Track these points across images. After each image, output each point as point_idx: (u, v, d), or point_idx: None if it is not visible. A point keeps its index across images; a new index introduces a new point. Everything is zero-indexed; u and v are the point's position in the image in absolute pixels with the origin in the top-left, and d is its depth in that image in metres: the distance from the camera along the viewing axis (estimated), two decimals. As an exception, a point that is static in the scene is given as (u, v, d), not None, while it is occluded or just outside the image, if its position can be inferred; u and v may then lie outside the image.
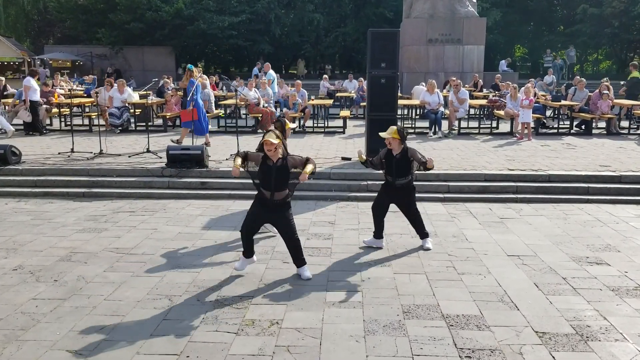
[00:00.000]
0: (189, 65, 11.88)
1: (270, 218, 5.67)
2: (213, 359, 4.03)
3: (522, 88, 13.81)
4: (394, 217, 7.77)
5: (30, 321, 4.65)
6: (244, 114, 15.90)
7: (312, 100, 17.05)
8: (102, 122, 14.29)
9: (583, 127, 14.90)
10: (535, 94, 14.53)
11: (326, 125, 15.40)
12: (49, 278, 5.59)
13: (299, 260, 5.64)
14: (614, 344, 4.27)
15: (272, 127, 5.69)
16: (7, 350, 4.16)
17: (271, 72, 17.46)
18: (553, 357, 4.05)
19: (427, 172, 6.65)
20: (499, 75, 20.50)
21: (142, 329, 4.48)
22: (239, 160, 5.48)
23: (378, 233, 6.61)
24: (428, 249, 6.46)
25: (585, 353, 4.13)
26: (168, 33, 33.17)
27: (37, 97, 14.03)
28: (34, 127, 14.22)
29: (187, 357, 4.05)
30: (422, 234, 6.59)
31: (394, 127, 6.27)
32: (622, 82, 19.92)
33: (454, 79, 17.15)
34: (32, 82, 14.10)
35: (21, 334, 4.42)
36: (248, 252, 5.70)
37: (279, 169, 5.35)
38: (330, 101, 17.50)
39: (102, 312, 4.81)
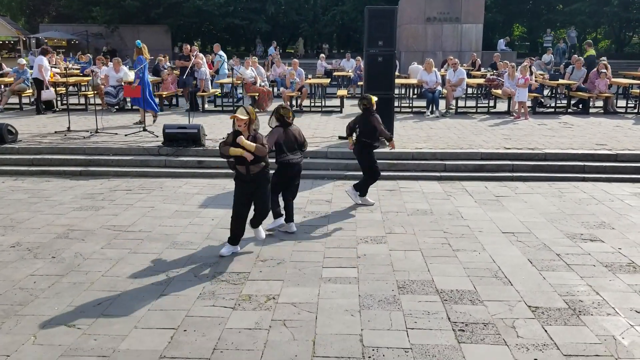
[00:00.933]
0: (137, 41, 11.84)
1: (250, 189, 5.60)
2: (210, 333, 4.08)
3: (519, 67, 13.77)
4: (391, 195, 7.82)
5: (29, 297, 4.69)
6: (240, 93, 15.83)
7: (310, 79, 16.98)
8: (98, 101, 14.24)
9: (580, 106, 14.89)
10: (531, 73, 14.49)
11: (323, 104, 15.36)
12: (47, 255, 5.63)
13: (257, 223, 5.85)
14: (605, 318, 4.33)
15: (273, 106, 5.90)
16: (6, 325, 4.20)
17: (221, 52, 17.31)
18: (545, 331, 4.11)
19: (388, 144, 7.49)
20: (497, 54, 20.38)
21: (139, 304, 4.53)
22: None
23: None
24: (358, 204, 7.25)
25: (577, 327, 4.18)
26: (163, 11, 32.85)
27: (47, 76, 13.96)
28: (47, 105, 14.17)
29: (185, 330, 4.10)
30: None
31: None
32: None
33: (452, 58, 17.08)
34: (45, 61, 14.05)
35: (20, 309, 4.46)
36: (234, 240, 5.68)
37: None
38: (328, 80, 17.43)
39: (100, 288, 4.85)
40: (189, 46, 15.85)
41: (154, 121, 12.11)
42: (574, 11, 35.92)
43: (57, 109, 14.53)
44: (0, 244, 5.95)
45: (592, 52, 18.11)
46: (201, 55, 15.56)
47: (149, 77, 13.55)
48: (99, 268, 5.29)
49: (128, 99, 14.82)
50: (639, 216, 6.94)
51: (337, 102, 15.34)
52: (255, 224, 5.85)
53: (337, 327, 4.17)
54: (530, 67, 15.37)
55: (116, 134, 10.81)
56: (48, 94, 13.69)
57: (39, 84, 13.73)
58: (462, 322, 4.22)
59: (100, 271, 5.21)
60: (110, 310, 4.44)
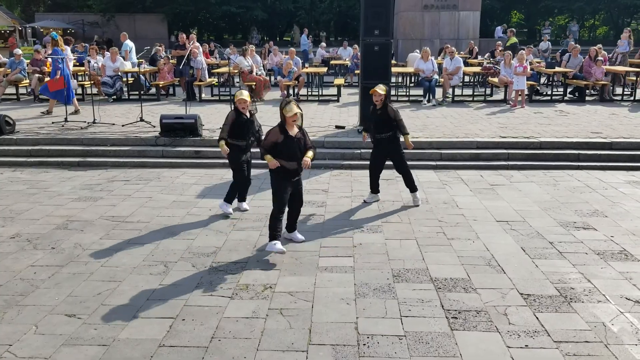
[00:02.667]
0: (52, 33, 11.87)
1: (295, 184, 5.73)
2: (208, 321, 4.16)
3: (516, 55, 13.77)
4: (387, 184, 7.88)
5: (29, 287, 4.76)
6: (237, 82, 15.84)
7: (307, 67, 16.98)
8: (95, 90, 14.24)
9: (577, 94, 14.93)
10: (530, 63, 14.51)
11: (320, 93, 15.37)
12: (47, 246, 5.69)
13: (293, 225, 5.86)
14: (596, 305, 4.42)
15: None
16: (8, 315, 4.28)
17: (128, 41, 17.23)
18: (537, 318, 4.19)
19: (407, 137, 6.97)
20: (499, 42, 20.31)
21: (138, 294, 4.60)
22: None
23: (374, 189, 7.14)
24: (417, 205, 6.93)
25: (568, 314, 4.27)
26: (159, -1, 32.72)
27: (70, 65, 13.96)
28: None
29: (183, 320, 4.18)
30: (412, 187, 7.03)
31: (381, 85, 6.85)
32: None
33: (449, 46, 17.06)
34: (68, 50, 14.10)
35: (21, 299, 4.54)
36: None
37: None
38: (325, 69, 17.42)
39: (100, 278, 4.92)
40: (184, 35, 15.82)
41: (76, 112, 12.16)
42: (571, -2, 35.83)
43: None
44: (0, 235, 6.01)
45: (514, 39, 18.35)
46: (198, 44, 15.54)
47: (146, 67, 13.55)
48: (98, 258, 5.36)
49: (125, 89, 14.83)
50: (632, 204, 7.02)
51: (334, 91, 15.35)
52: (292, 226, 5.83)
53: (333, 315, 4.26)
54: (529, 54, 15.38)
55: (113, 124, 10.84)
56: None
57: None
58: (455, 310, 4.31)
59: (100, 261, 5.28)
60: (110, 300, 4.51)
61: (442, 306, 4.37)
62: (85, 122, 10.95)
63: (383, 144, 6.87)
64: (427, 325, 4.09)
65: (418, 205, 6.94)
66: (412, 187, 7.01)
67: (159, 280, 4.88)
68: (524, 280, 4.84)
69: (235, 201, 6.79)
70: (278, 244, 5.33)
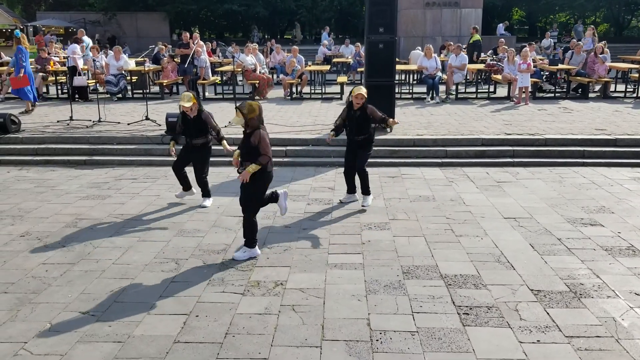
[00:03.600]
0: (16, 31, 11.98)
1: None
2: (222, 318, 4.19)
3: (520, 52, 13.78)
4: (393, 182, 7.91)
5: (42, 285, 4.79)
6: (240, 80, 15.85)
7: (310, 66, 16.99)
8: (101, 89, 14.26)
9: (580, 90, 14.94)
10: (534, 61, 14.52)
11: (323, 91, 15.39)
12: (57, 244, 5.72)
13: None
14: (606, 300, 4.45)
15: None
16: (22, 312, 4.31)
17: (85, 37, 17.26)
18: (547, 313, 4.22)
19: (387, 127, 6.86)
20: (502, 39, 20.30)
21: (151, 291, 4.63)
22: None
23: (350, 189, 7.06)
24: (365, 206, 6.80)
25: (578, 309, 4.30)
26: (161, -3, 32.73)
27: (80, 63, 14.08)
28: (80, 94, 14.21)
29: (197, 316, 4.21)
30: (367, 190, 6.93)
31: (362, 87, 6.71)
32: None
33: (451, 43, 17.07)
34: (78, 49, 14.29)
35: (33, 297, 4.57)
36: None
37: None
38: (327, 67, 17.43)
39: (111, 276, 4.95)
40: (188, 34, 15.83)
41: (32, 111, 12.27)
42: (573, -6, 35.78)
43: (90, 99, 14.40)
44: (10, 233, 6.05)
45: (477, 37, 18.44)
46: (201, 42, 15.56)
47: (149, 65, 13.57)
48: (109, 256, 5.39)
49: (129, 88, 14.86)
50: (638, 200, 7.05)
51: (337, 88, 15.37)
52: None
53: (345, 311, 4.28)
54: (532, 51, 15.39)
55: (119, 122, 10.86)
56: (80, 80, 13.76)
57: (72, 71, 13.87)
58: (467, 306, 4.34)
59: (111, 259, 5.31)
60: (123, 297, 4.54)
61: (453, 302, 4.40)
62: (90, 120, 10.97)
63: (356, 144, 6.76)
64: (439, 321, 4.12)
65: (365, 209, 6.75)
66: (367, 189, 6.87)
67: (170, 277, 4.91)
68: (533, 277, 4.86)
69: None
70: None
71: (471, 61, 17.25)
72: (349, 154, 6.93)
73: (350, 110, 6.70)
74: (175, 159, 7.00)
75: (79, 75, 13.79)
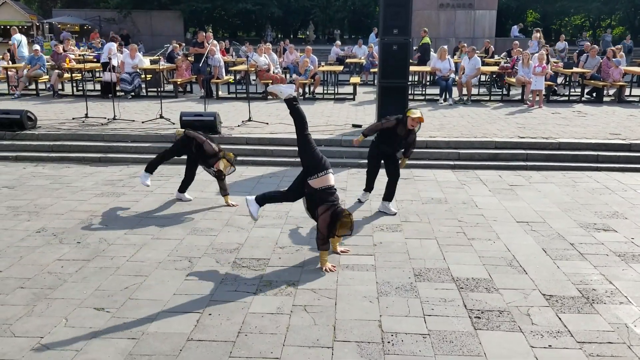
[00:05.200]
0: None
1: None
2: (234, 316, 4.23)
3: (536, 55, 13.73)
4: (405, 183, 7.91)
5: (57, 281, 4.86)
6: (253, 79, 15.92)
7: (322, 66, 17.02)
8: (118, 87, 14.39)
9: (594, 94, 14.85)
10: (548, 61, 14.45)
11: (336, 91, 15.41)
12: (72, 240, 5.80)
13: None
14: (618, 306, 4.44)
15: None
16: (38, 308, 4.38)
17: (16, 35, 17.34)
18: (559, 319, 4.22)
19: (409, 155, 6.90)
20: (516, 42, 20.22)
21: (165, 289, 4.68)
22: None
23: (369, 188, 7.10)
24: (394, 213, 6.70)
25: (591, 315, 4.29)
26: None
27: (115, 61, 14.31)
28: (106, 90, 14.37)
29: (210, 314, 4.25)
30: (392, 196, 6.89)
31: (419, 111, 6.42)
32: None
33: (465, 45, 17.02)
34: (114, 47, 14.62)
35: (49, 293, 4.63)
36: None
37: None
38: (341, 67, 17.46)
39: (126, 273, 5.01)
40: (203, 33, 15.93)
41: None
42: (588, -3, 35.54)
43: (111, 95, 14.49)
44: (27, 229, 6.13)
45: (427, 39, 18.39)
46: (215, 42, 15.65)
47: (164, 64, 13.69)
48: (123, 253, 5.45)
49: (143, 86, 14.97)
50: (653, 206, 7.01)
51: (349, 89, 15.39)
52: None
53: (356, 312, 4.31)
54: (547, 55, 15.32)
55: (133, 121, 10.96)
56: (107, 76, 13.93)
57: (104, 67, 14.20)
58: (478, 310, 4.35)
59: (125, 256, 5.37)
60: (137, 294, 4.60)
61: (465, 306, 4.41)
62: (105, 118, 11.08)
63: (389, 154, 6.72)
64: (450, 324, 4.13)
65: (395, 214, 6.71)
66: (392, 195, 6.82)
67: (184, 275, 4.96)
68: (545, 281, 4.86)
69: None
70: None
71: (425, 63, 17.13)
72: (376, 159, 6.85)
73: (398, 126, 6.46)
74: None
75: (109, 71, 13.96)
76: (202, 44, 15.08)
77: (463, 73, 14.08)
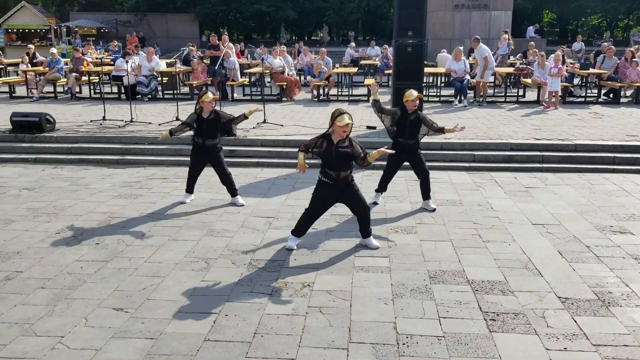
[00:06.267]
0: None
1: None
2: (250, 317, 4.27)
3: (552, 56, 13.65)
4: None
5: (77, 281, 4.94)
6: (268, 82, 16.00)
7: (337, 68, 17.06)
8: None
9: (611, 95, 14.72)
10: (564, 62, 14.35)
11: (350, 93, 15.44)
12: (91, 241, 5.89)
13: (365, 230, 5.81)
14: (634, 309, 4.41)
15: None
16: (58, 308, 4.46)
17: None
18: (575, 321, 4.21)
19: (441, 134, 6.92)
20: (532, 42, 20.11)
21: (182, 289, 4.75)
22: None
23: (381, 189, 7.15)
24: (433, 209, 6.85)
25: (607, 318, 4.28)
26: (191, -1, 33.21)
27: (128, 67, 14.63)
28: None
29: (226, 315, 4.31)
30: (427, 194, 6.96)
31: (414, 91, 6.62)
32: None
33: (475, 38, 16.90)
34: (122, 65, 14.83)
35: (69, 293, 4.72)
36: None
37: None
38: (355, 69, 17.48)
39: (144, 274, 5.08)
40: (216, 37, 16.04)
41: None
42: (605, -3, 35.19)
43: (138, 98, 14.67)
44: (46, 230, 6.24)
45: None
46: (231, 45, 15.75)
47: (180, 67, 13.79)
48: (141, 254, 5.53)
49: (160, 88, 15.11)
50: (670, 209, 6.94)
51: (364, 90, 15.40)
52: (365, 232, 5.73)
53: (371, 314, 4.34)
54: (562, 56, 15.23)
55: (150, 123, 11.08)
56: (126, 80, 14.16)
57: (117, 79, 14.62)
58: (494, 312, 4.35)
59: (143, 257, 5.45)
60: (155, 294, 4.67)
61: (480, 308, 4.41)
62: (122, 120, 11.21)
63: (407, 150, 6.75)
64: (465, 326, 4.14)
65: (434, 210, 6.86)
66: (428, 193, 6.92)
67: (200, 276, 5.02)
68: (561, 284, 4.85)
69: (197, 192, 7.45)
70: (293, 241, 5.68)
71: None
72: (395, 161, 6.91)
73: (404, 114, 6.65)
74: (192, 160, 7.18)
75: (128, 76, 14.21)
76: (216, 47, 15.19)
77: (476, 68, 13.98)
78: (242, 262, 5.34)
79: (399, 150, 6.71)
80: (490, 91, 14.89)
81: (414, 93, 6.57)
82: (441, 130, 6.73)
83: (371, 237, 5.75)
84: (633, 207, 7.01)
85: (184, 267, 5.21)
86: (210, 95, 6.78)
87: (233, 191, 7.17)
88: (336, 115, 5.28)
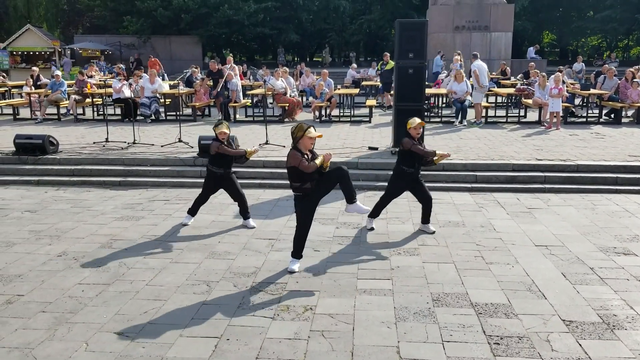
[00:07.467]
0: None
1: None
2: (252, 341, 4.24)
3: (552, 76, 13.72)
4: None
5: (78, 305, 4.92)
6: (270, 103, 16.08)
7: (339, 89, 17.15)
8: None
9: (612, 115, 14.76)
10: (564, 82, 14.42)
11: (352, 114, 15.51)
12: (93, 264, 5.87)
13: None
14: (640, 332, 4.38)
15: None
16: (59, 332, 4.43)
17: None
18: (580, 345, 4.17)
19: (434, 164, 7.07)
20: (532, 63, 20.22)
21: (183, 313, 4.72)
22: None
23: (375, 214, 7.07)
24: (433, 232, 6.81)
25: (612, 341, 4.24)
26: (193, 22, 33.51)
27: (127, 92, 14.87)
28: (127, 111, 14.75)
29: (228, 339, 4.27)
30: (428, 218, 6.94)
31: (417, 118, 6.70)
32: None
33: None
34: (117, 86, 15.08)
35: (70, 317, 4.69)
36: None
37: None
38: (356, 90, 17.57)
39: (145, 297, 5.06)
40: (215, 63, 16.17)
41: None
42: (604, 18, 35.52)
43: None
44: (48, 253, 6.23)
45: (392, 64, 18.26)
46: (235, 66, 15.88)
47: (183, 88, 13.89)
48: (142, 277, 5.51)
49: (162, 110, 15.20)
50: (674, 229, 6.91)
51: (365, 111, 15.48)
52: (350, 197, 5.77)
53: (374, 338, 4.30)
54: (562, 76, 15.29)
55: (153, 145, 11.12)
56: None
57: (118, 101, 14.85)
58: (497, 336, 4.31)
59: (144, 280, 5.43)
60: (156, 318, 4.64)
61: (484, 332, 4.38)
62: (125, 142, 11.26)
63: (412, 177, 6.75)
64: (469, 350, 4.10)
65: (434, 232, 6.82)
66: (428, 218, 6.88)
67: (202, 299, 4.99)
68: (565, 307, 4.81)
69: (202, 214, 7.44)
70: (294, 264, 5.70)
71: (390, 87, 16.54)
72: (398, 189, 6.91)
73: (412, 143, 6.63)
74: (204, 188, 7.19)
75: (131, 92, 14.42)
76: (216, 73, 15.29)
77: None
78: (244, 285, 5.31)
79: (403, 178, 6.77)
80: (491, 112, 14.94)
81: (416, 120, 6.61)
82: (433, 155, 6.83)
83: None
84: (636, 228, 6.99)
85: (185, 290, 5.18)
86: (225, 125, 7.03)
87: (245, 213, 7.13)
88: (305, 129, 5.53)
